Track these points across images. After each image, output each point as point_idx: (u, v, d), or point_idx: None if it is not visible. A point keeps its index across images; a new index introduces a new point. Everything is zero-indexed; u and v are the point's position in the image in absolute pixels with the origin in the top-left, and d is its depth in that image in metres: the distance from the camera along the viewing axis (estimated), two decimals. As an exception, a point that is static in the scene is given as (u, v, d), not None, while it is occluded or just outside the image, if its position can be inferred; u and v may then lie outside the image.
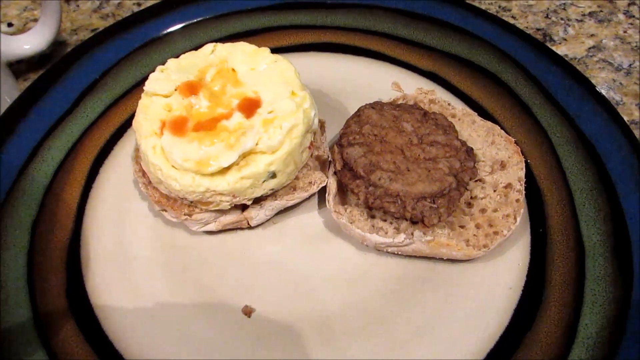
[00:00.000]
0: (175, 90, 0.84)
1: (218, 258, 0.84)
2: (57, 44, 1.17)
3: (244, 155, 0.77)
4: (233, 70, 0.87)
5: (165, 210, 0.84)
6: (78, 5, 1.29)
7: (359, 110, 0.88)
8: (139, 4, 1.29)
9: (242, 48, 0.90)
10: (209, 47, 0.91)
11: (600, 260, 0.77)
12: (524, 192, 0.82)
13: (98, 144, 0.95)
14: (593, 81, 1.07)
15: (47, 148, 0.92)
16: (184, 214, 0.82)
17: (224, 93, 0.84)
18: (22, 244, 0.82)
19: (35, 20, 1.25)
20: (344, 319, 0.77)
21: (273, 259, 0.84)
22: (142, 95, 0.85)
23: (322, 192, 0.87)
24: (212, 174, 0.76)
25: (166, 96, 0.84)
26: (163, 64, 0.89)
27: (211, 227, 0.84)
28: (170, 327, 0.77)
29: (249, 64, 0.87)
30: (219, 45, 0.91)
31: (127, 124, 0.98)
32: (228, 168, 0.77)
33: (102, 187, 0.91)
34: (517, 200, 0.81)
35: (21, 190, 0.87)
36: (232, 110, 0.81)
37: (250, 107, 0.82)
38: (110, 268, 0.83)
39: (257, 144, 0.77)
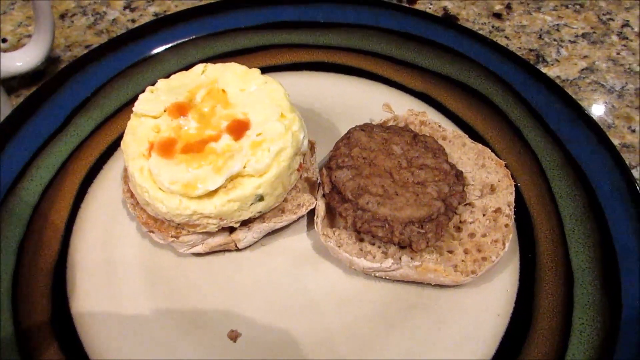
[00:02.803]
0: (165, 111, 0.84)
1: (205, 280, 0.83)
2: (50, 59, 1.17)
3: (232, 178, 0.77)
4: (223, 91, 0.87)
5: (153, 232, 0.83)
6: (72, 21, 1.29)
7: (348, 132, 0.88)
8: (133, 21, 1.29)
9: (233, 69, 0.90)
10: (199, 67, 0.91)
11: (588, 288, 0.76)
12: (513, 216, 0.82)
13: (87, 163, 0.95)
14: (585, 103, 1.08)
15: (35, 167, 0.92)
16: (171, 236, 0.81)
17: (213, 114, 0.83)
18: (7, 266, 0.81)
19: (30, 36, 1.25)
20: (331, 344, 0.77)
21: (260, 282, 0.83)
22: (132, 115, 0.84)
23: (311, 213, 0.86)
24: (199, 197, 0.76)
25: (155, 117, 0.83)
26: (153, 83, 0.89)
27: (198, 249, 0.84)
28: (155, 351, 0.76)
29: (239, 85, 0.87)
30: (210, 65, 0.91)
31: (117, 143, 0.98)
32: (215, 191, 0.76)
33: (91, 208, 0.91)
34: (507, 226, 0.81)
35: (8, 211, 0.86)
36: (221, 132, 0.81)
37: (239, 129, 0.81)
38: (96, 290, 0.82)
39: (244, 167, 0.77)
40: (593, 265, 0.78)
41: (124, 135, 0.83)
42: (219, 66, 0.91)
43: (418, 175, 0.81)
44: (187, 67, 1.03)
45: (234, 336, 0.78)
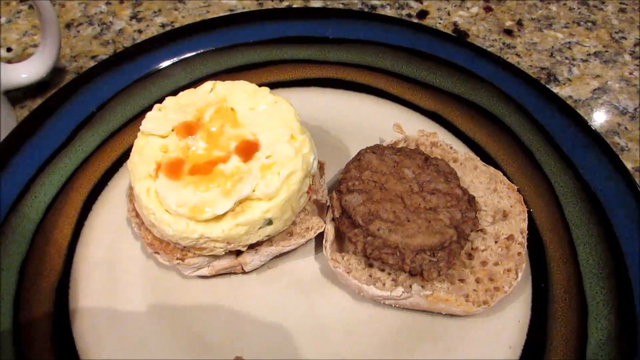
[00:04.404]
0: (172, 130, 0.82)
1: (210, 304, 0.82)
2: (56, 70, 1.15)
3: (240, 202, 0.76)
4: (232, 109, 0.85)
5: (158, 253, 0.82)
6: (78, 31, 1.28)
7: (359, 154, 0.86)
8: (140, 31, 1.28)
9: (242, 87, 0.88)
10: (208, 85, 0.89)
11: (603, 322, 0.74)
12: (526, 244, 0.80)
13: (92, 180, 0.93)
14: (597, 125, 1.06)
15: (39, 184, 0.90)
16: (177, 258, 0.79)
17: (221, 134, 0.82)
18: (9, 286, 0.79)
19: (35, 45, 1.24)
20: (337, 372, 0.75)
21: (266, 307, 0.81)
22: (138, 134, 0.83)
23: (320, 236, 0.85)
24: (207, 221, 0.74)
25: (163, 137, 0.82)
26: (160, 99, 0.87)
27: (204, 271, 0.82)
28: (158, 377, 0.75)
29: (248, 104, 0.86)
30: (219, 83, 0.89)
31: (122, 159, 0.96)
32: (223, 214, 0.75)
33: (94, 226, 0.89)
34: (519, 254, 0.79)
35: (11, 228, 0.84)
36: (230, 153, 0.79)
37: (248, 150, 0.80)
38: (99, 311, 0.80)
39: (253, 191, 0.75)
40: (608, 297, 0.76)
41: (131, 154, 0.82)
42: (228, 84, 0.89)
43: (430, 200, 0.79)
44: (195, 82, 1.03)
45: (239, 363, 0.76)
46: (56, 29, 1.02)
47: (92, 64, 1.20)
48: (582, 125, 0.92)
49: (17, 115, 1.09)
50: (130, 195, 0.86)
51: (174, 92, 0.89)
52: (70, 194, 0.91)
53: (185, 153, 0.80)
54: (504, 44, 1.24)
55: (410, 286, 0.76)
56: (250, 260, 0.81)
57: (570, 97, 1.13)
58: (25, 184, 0.90)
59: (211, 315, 0.81)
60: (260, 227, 0.77)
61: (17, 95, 1.13)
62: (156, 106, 0.86)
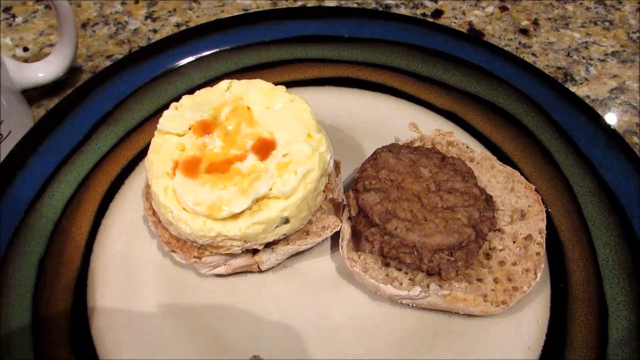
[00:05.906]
0: (189, 129, 0.82)
1: (226, 303, 0.82)
2: (72, 69, 1.16)
3: (257, 200, 0.76)
4: (248, 108, 0.85)
5: (175, 252, 0.82)
6: (94, 31, 1.28)
7: (375, 153, 0.86)
8: (154, 31, 1.28)
9: (258, 86, 0.88)
10: (224, 83, 0.89)
11: (624, 323, 0.73)
12: (544, 244, 0.79)
13: (109, 178, 0.94)
14: (615, 124, 1.05)
15: (57, 182, 0.91)
16: (194, 257, 0.80)
17: (238, 132, 0.82)
18: (28, 284, 0.80)
19: (51, 45, 1.25)
20: (354, 372, 0.75)
21: (282, 305, 0.81)
22: (155, 133, 0.83)
23: (336, 235, 0.84)
24: (224, 219, 0.74)
25: (180, 135, 0.82)
26: (177, 97, 0.87)
27: (221, 270, 0.82)
28: (175, 375, 0.75)
29: (264, 103, 0.86)
30: (235, 82, 0.90)
31: (139, 158, 0.97)
32: (240, 213, 0.75)
33: (112, 224, 0.89)
34: (538, 254, 0.78)
35: (29, 226, 0.85)
36: (247, 151, 0.79)
37: (264, 148, 0.80)
38: (117, 311, 0.81)
39: (270, 189, 0.75)
40: (628, 298, 0.75)
41: (148, 152, 0.82)
42: (244, 82, 0.89)
43: (447, 199, 0.79)
44: (210, 81, 1.03)
45: (256, 362, 0.76)
46: (73, 29, 1.03)
47: (107, 63, 1.21)
48: (601, 124, 0.92)
49: (34, 115, 1.10)
50: (147, 194, 0.87)
51: (190, 91, 0.89)
52: (88, 192, 0.92)
53: (202, 151, 0.80)
54: (519, 43, 1.24)
55: (428, 286, 0.76)
56: (267, 259, 0.81)
57: (588, 96, 1.12)
58: (42, 183, 0.90)
59: (227, 313, 0.81)
60: (277, 226, 0.77)
61: (33, 95, 1.14)
62: (173, 104, 0.86)
